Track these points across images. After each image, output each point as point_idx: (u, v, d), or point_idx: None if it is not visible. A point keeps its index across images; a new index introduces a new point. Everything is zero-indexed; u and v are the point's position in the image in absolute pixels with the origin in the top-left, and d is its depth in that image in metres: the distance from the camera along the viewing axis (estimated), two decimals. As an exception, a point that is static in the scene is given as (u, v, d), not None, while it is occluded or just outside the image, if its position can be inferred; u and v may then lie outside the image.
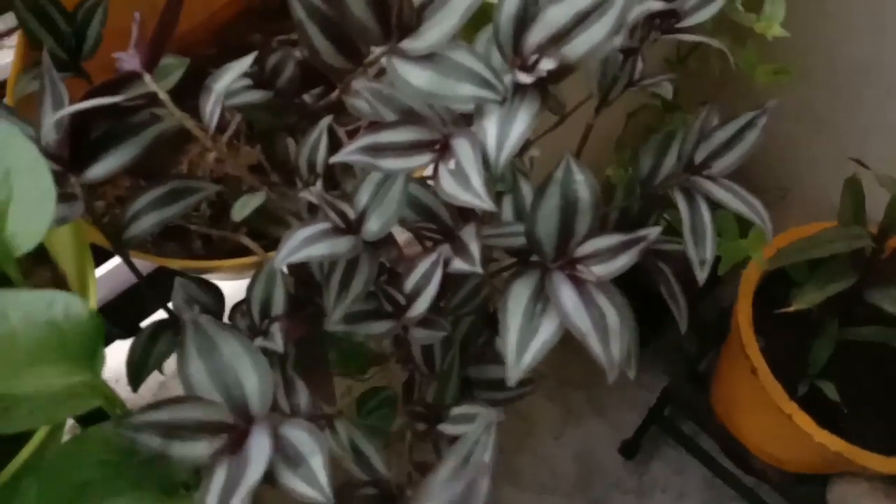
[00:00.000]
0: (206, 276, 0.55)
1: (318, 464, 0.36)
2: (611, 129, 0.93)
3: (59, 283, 0.46)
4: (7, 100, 0.47)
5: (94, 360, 0.32)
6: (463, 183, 0.35)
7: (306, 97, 0.46)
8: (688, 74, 0.74)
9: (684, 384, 1.07)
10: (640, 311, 0.50)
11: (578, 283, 0.40)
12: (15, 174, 0.32)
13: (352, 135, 0.48)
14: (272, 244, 0.48)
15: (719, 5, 0.49)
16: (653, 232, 0.39)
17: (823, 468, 1.01)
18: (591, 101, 0.52)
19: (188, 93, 0.42)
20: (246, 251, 0.48)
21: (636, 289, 0.49)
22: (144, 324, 0.46)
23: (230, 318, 0.46)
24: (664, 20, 0.49)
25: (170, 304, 0.46)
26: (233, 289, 0.53)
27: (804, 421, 0.86)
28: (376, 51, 0.36)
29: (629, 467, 1.24)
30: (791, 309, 0.81)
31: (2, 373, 0.29)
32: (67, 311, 0.31)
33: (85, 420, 0.42)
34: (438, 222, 0.43)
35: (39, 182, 0.32)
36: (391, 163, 0.36)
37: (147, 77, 0.37)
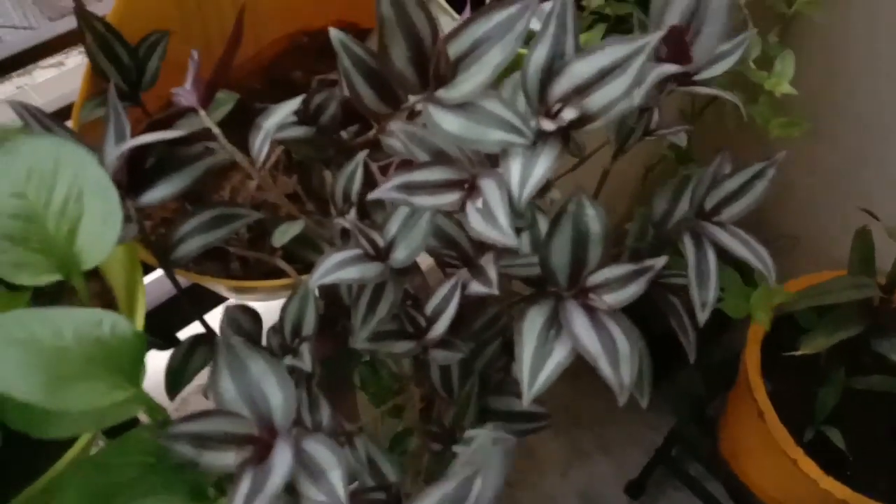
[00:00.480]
0: (242, 296, 0.59)
1: (336, 478, 0.38)
2: (628, 182, 0.96)
3: (106, 295, 0.49)
4: (72, 124, 0.51)
5: (137, 374, 0.35)
6: (491, 221, 0.38)
7: (343, 133, 0.50)
8: (703, 128, 0.77)
9: (691, 426, 1.08)
10: (649, 354, 0.52)
11: (590, 311, 0.43)
12: (87, 195, 0.35)
13: (384, 170, 0.51)
14: (306, 268, 0.51)
15: (733, 61, 0.53)
16: (659, 261, 0.41)
17: (829, 515, 1.01)
18: (609, 147, 0.55)
19: (234, 123, 0.46)
20: (281, 273, 0.51)
21: (646, 333, 0.52)
22: (181, 335, 0.49)
23: (266, 337, 0.49)
24: (680, 75, 0.53)
25: (206, 317, 0.49)
26: (268, 310, 0.57)
27: (809, 467, 0.87)
28: (413, 98, 0.40)
29: (634, 507, 1.24)
30: (798, 353, 0.82)
31: (57, 386, 0.32)
32: (114, 329, 0.34)
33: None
34: (459, 250, 0.46)
35: (108, 203, 0.35)
36: (423, 200, 0.39)
37: (202, 113, 0.40)
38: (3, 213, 0.35)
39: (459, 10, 0.59)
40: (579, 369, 0.47)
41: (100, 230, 0.35)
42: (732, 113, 0.59)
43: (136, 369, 0.35)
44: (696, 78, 0.54)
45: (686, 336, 0.52)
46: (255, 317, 0.52)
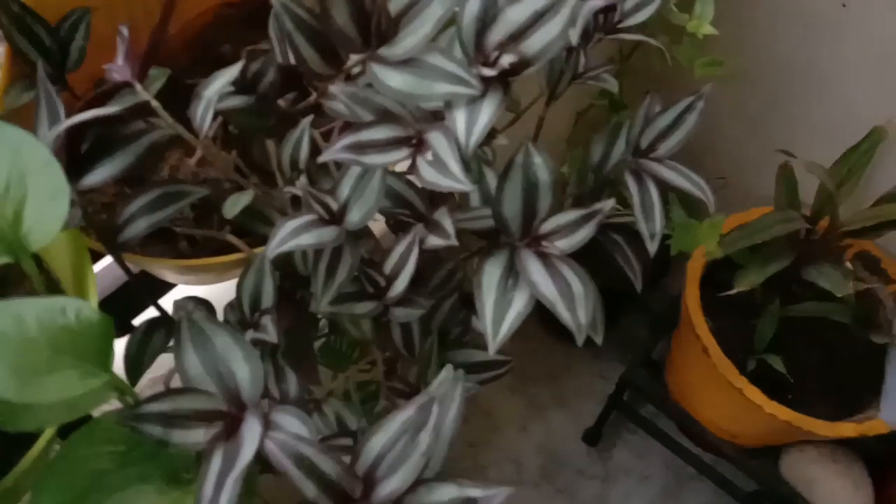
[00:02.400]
0: (191, 279, 0.58)
1: (306, 442, 0.39)
2: (562, 128, 0.98)
3: (53, 287, 0.48)
4: (-1, 109, 0.48)
5: (107, 360, 0.35)
6: (442, 171, 0.38)
7: (281, 102, 0.49)
8: (632, 73, 0.79)
9: (640, 370, 1.12)
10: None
11: (544, 258, 0.44)
12: (30, 175, 0.34)
13: (326, 136, 0.51)
14: (257, 241, 0.51)
15: (655, 6, 0.54)
16: (607, 205, 0.43)
17: (774, 439, 1.07)
18: (542, 99, 0.56)
19: (165, 101, 0.45)
20: (231, 249, 0.50)
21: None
22: (136, 321, 0.49)
23: (224, 314, 0.49)
24: (606, 21, 0.54)
25: (160, 302, 0.48)
26: (218, 298, 0.56)
27: (754, 394, 0.92)
28: (356, 57, 0.40)
29: (593, 454, 1.29)
30: (734, 291, 0.86)
31: (26, 379, 0.31)
32: (79, 316, 0.34)
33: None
34: (412, 209, 0.46)
35: (54, 181, 0.34)
36: (373, 158, 0.40)
37: (139, 87, 0.39)
38: (-59, 201, 0.33)
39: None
40: (528, 327, 0.49)
41: (47, 208, 0.34)
42: (658, 56, 0.61)
43: (105, 355, 0.34)
44: (622, 25, 0.56)
45: (632, 269, 0.54)
46: (207, 306, 0.51)
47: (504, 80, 0.41)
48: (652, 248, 0.49)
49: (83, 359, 0.33)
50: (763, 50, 0.96)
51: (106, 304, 0.68)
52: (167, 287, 0.71)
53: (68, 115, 0.40)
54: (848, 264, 0.92)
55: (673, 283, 1.24)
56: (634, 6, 0.55)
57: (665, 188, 0.50)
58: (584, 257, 0.48)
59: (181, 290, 0.71)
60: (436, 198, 0.47)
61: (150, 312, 0.51)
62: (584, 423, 1.29)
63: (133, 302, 0.64)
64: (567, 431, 1.31)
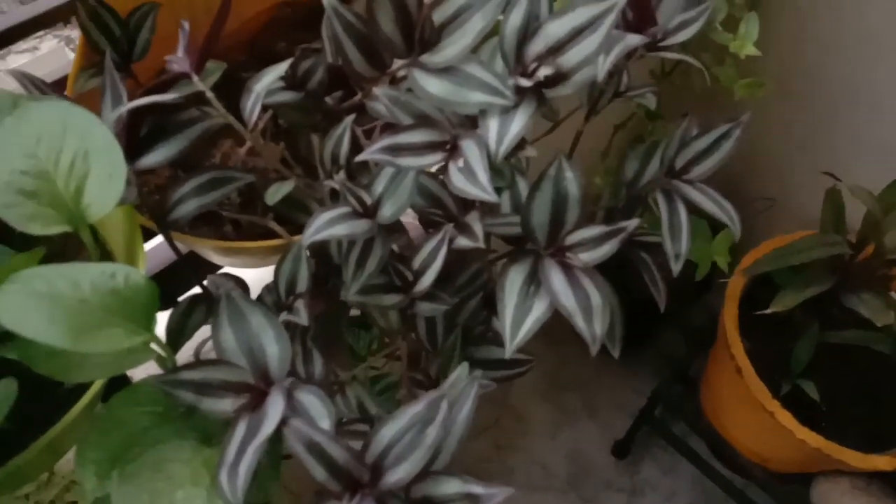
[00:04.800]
0: (233, 261, 0.61)
1: (325, 426, 0.41)
2: (599, 140, 0.98)
3: (107, 257, 0.52)
4: (67, 92, 0.52)
5: (150, 322, 0.38)
6: (471, 179, 0.40)
7: (328, 99, 0.52)
8: (672, 88, 0.79)
9: (674, 386, 1.12)
10: (632, 320, 0.55)
11: (567, 268, 0.46)
12: (93, 154, 0.37)
13: (368, 133, 0.54)
14: (296, 229, 0.53)
15: (699, 27, 0.55)
16: (632, 223, 0.44)
17: (805, 466, 1.06)
18: (582, 111, 0.57)
19: (220, 94, 0.48)
20: (272, 235, 0.53)
21: (628, 298, 0.54)
22: (180, 298, 0.52)
23: (259, 297, 0.52)
24: (648, 41, 0.55)
25: (204, 281, 0.52)
26: (255, 280, 0.59)
27: (786, 418, 0.91)
28: (399, 62, 0.42)
29: (621, 467, 1.28)
30: (770, 311, 0.86)
31: (80, 334, 0.35)
32: (128, 280, 0.37)
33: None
34: (444, 208, 0.48)
35: (114, 162, 0.38)
36: (407, 161, 0.42)
37: (196, 78, 0.42)
38: (16, 171, 0.37)
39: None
40: (564, 335, 0.50)
41: (105, 185, 0.38)
42: (699, 75, 0.61)
43: (149, 316, 0.37)
44: (664, 43, 0.56)
45: (657, 288, 0.55)
46: (241, 284, 0.54)
47: (539, 92, 0.43)
48: (676, 268, 0.50)
49: (129, 318, 0.36)
50: (813, 70, 0.94)
51: (155, 280, 0.72)
52: (212, 268, 0.75)
53: (131, 101, 0.44)
54: (893, 294, 0.90)
55: (716, 299, 1.23)
56: (678, 25, 0.56)
57: (694, 211, 0.51)
58: (622, 271, 0.49)
59: (222, 271, 0.75)
60: (467, 201, 0.49)
61: (195, 291, 0.55)
62: (614, 434, 1.29)
63: (179, 280, 0.68)
64: (596, 442, 1.31)
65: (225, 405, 0.41)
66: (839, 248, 0.85)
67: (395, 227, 0.48)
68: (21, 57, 1.74)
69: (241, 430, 0.40)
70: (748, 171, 1.09)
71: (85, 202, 0.38)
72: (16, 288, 0.33)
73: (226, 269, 0.70)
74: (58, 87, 0.55)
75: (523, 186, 0.53)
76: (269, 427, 0.39)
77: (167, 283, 0.74)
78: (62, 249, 0.45)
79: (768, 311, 0.85)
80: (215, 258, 0.62)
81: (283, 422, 0.40)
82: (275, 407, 0.41)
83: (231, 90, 0.54)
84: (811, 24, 0.90)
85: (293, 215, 0.51)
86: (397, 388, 0.61)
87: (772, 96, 0.75)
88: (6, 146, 0.37)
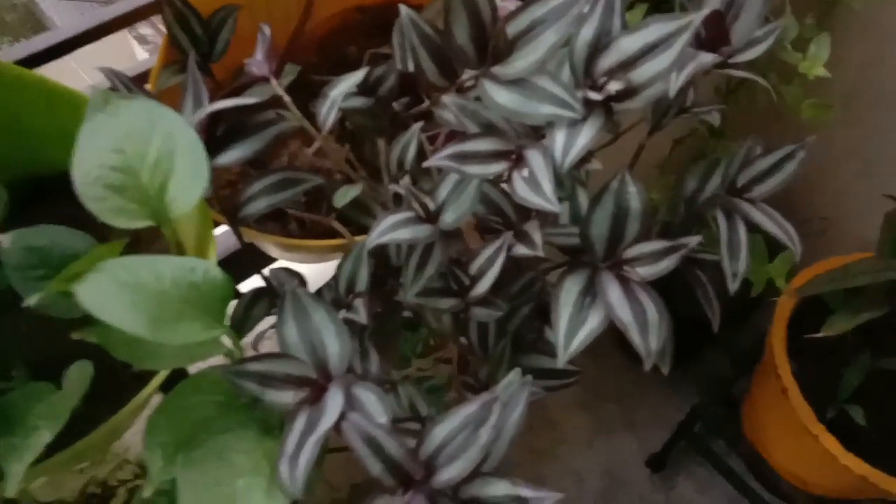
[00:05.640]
0: (292, 256, 0.63)
1: (382, 421, 0.42)
2: (656, 154, 0.98)
3: (179, 249, 0.54)
4: (150, 87, 0.55)
5: (224, 316, 0.40)
6: (535, 189, 0.41)
7: (395, 105, 0.53)
8: (736, 105, 0.79)
9: (716, 403, 1.11)
10: (676, 337, 0.55)
11: (624, 282, 0.46)
12: (178, 153, 0.39)
13: (432, 140, 0.55)
14: (358, 229, 0.55)
15: (768, 45, 0.55)
16: (693, 240, 0.44)
17: (848, 493, 1.04)
18: (643, 123, 0.58)
19: (290, 93, 0.50)
20: (334, 235, 0.55)
21: (674, 314, 0.54)
22: (241, 287, 0.54)
23: (318, 293, 0.53)
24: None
25: (265, 272, 0.53)
26: (313, 275, 0.61)
27: (830, 443, 0.90)
28: (470, 73, 0.43)
29: (655, 481, 1.27)
30: (821, 335, 0.84)
31: (159, 324, 0.36)
32: (206, 275, 0.39)
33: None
34: (503, 216, 0.49)
35: (197, 161, 0.39)
36: (473, 169, 0.43)
37: (274, 82, 0.44)
38: (105, 166, 0.39)
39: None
40: (606, 347, 0.50)
41: (189, 184, 0.39)
42: (765, 93, 0.61)
43: (224, 311, 0.39)
44: (732, 60, 0.56)
45: (710, 307, 0.55)
46: (299, 278, 0.56)
47: (607, 106, 0.43)
48: (733, 287, 0.50)
49: (206, 312, 0.38)
50: (881, 94, 0.93)
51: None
52: (269, 260, 0.77)
53: (209, 100, 0.45)
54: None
55: (763, 319, 1.22)
56: (747, 43, 0.56)
57: (754, 230, 0.51)
58: (670, 286, 0.49)
59: (281, 265, 0.77)
60: (526, 209, 0.49)
61: (254, 281, 0.56)
62: (651, 448, 1.28)
63: (240, 270, 0.70)
64: (632, 455, 1.30)
65: (287, 397, 0.42)
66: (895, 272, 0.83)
67: (454, 233, 0.49)
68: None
69: (300, 422, 0.41)
70: (806, 190, 1.07)
71: (168, 198, 0.40)
72: (102, 276, 0.35)
73: (282, 263, 0.72)
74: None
75: (583, 197, 0.53)
76: (329, 420, 0.40)
77: (228, 271, 0.77)
78: (135, 239, 0.47)
79: (820, 334, 0.84)
80: (275, 252, 0.64)
81: (342, 416, 0.41)
82: (334, 401, 0.42)
83: (301, 90, 0.55)
84: (881, 48, 0.89)
85: (356, 216, 0.53)
86: (444, 391, 0.62)
87: (836, 117, 0.74)
88: (98, 141, 0.39)
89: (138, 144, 0.39)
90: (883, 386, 0.93)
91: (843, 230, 1.04)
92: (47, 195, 0.59)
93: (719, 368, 1.30)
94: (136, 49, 1.92)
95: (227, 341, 0.41)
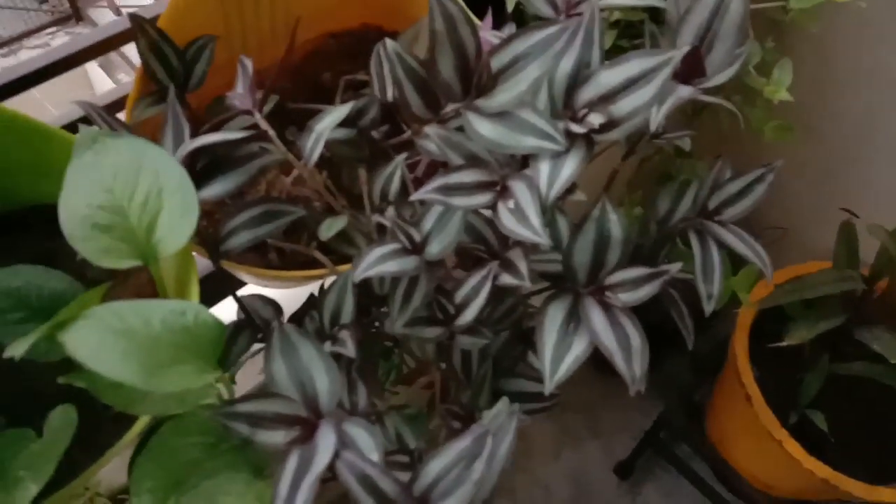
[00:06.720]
0: (268, 283, 0.62)
1: (375, 458, 0.42)
2: (624, 171, 1.00)
3: (163, 288, 0.53)
4: (126, 119, 0.53)
5: (217, 358, 0.39)
6: (522, 221, 0.41)
7: (374, 133, 0.53)
8: (700, 125, 0.81)
9: (680, 410, 1.13)
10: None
11: (607, 308, 0.47)
12: (166, 192, 0.38)
13: (411, 167, 0.55)
14: (340, 258, 0.55)
15: (734, 70, 0.57)
16: (674, 267, 0.46)
17: (811, 495, 1.07)
18: (616, 146, 0.59)
19: (268, 122, 0.49)
20: (315, 264, 0.54)
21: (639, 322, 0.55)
22: (216, 311, 0.52)
23: (299, 324, 0.53)
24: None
25: (240, 295, 0.52)
26: (285, 300, 0.60)
27: (793, 448, 0.93)
28: (453, 105, 0.43)
29: (623, 488, 1.29)
30: (783, 344, 0.87)
31: (152, 371, 0.35)
32: (197, 318, 0.38)
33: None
34: (487, 245, 0.49)
35: (186, 200, 0.39)
36: (459, 201, 0.43)
37: (258, 116, 0.44)
38: (93, 205, 0.38)
39: (481, 16, 0.62)
40: None
41: (178, 223, 0.39)
42: (728, 115, 0.63)
43: (216, 354, 0.38)
44: (701, 87, 0.58)
45: (685, 326, 0.56)
46: (275, 306, 0.55)
47: (589, 138, 0.44)
48: (708, 308, 0.51)
49: (198, 356, 0.37)
50: (835, 108, 0.96)
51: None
52: (243, 282, 0.76)
53: (190, 133, 0.45)
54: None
55: (721, 326, 1.25)
56: (714, 69, 0.57)
57: (727, 252, 0.53)
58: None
59: (255, 290, 0.76)
60: (510, 237, 0.50)
61: (228, 304, 0.55)
62: (617, 456, 1.30)
63: (213, 293, 0.69)
64: (599, 462, 1.32)
65: (277, 437, 0.42)
66: (853, 283, 0.87)
67: (438, 262, 0.49)
68: (33, 52, 1.76)
69: (293, 463, 0.41)
70: (763, 201, 1.10)
71: (156, 238, 0.39)
72: (90, 324, 0.34)
73: (255, 288, 0.71)
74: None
75: (563, 223, 0.54)
76: (322, 460, 0.40)
77: (201, 296, 0.75)
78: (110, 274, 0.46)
79: (782, 344, 0.87)
80: (251, 280, 0.63)
81: (335, 454, 0.40)
82: (327, 439, 0.41)
83: (276, 116, 0.55)
84: (831, 66, 0.92)
85: (337, 245, 0.52)
86: (423, 417, 0.62)
87: (792, 138, 0.76)
88: (85, 180, 0.38)
89: (126, 183, 0.38)
90: (842, 391, 0.97)
91: (799, 240, 1.08)
92: (11, 230, 0.57)
93: (682, 375, 1.33)
94: (89, 68, 1.88)
95: (222, 387, 0.41)
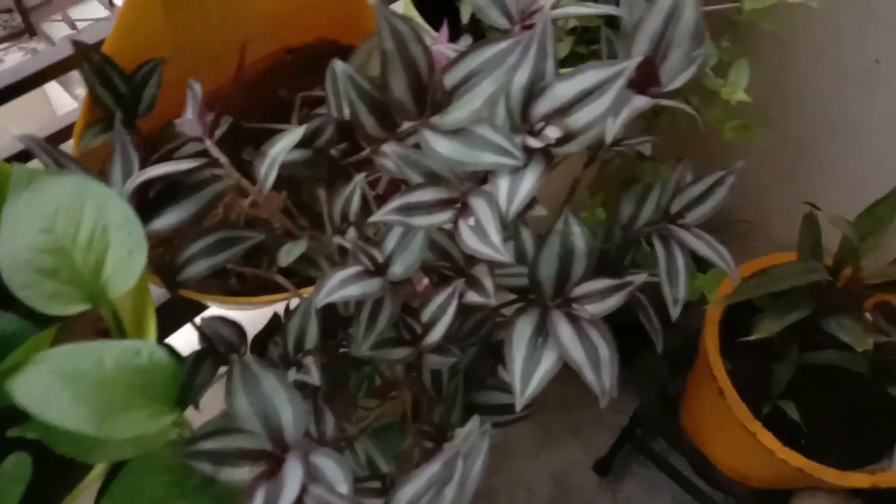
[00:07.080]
0: (230, 307, 0.61)
1: (343, 490, 0.41)
2: (585, 174, 1.00)
3: (119, 328, 0.51)
4: (73, 151, 0.52)
5: (174, 398, 0.38)
6: (483, 238, 0.41)
7: (332, 152, 0.52)
8: (660, 128, 0.81)
9: (655, 406, 1.14)
10: (615, 341, 0.56)
11: (574, 320, 0.47)
12: (112, 228, 0.37)
13: (373, 185, 0.54)
14: (302, 281, 0.53)
15: (692, 73, 0.57)
16: (640, 278, 0.45)
17: (786, 483, 1.08)
18: (577, 155, 0.58)
19: (221, 142, 0.48)
20: (277, 287, 0.53)
21: (610, 320, 0.55)
22: (174, 337, 0.51)
23: (263, 350, 0.52)
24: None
25: (199, 321, 0.51)
26: (248, 321, 0.59)
27: (767, 439, 0.93)
28: (409, 124, 0.42)
29: (603, 485, 1.30)
30: (752, 337, 0.88)
31: (104, 416, 0.34)
32: (151, 357, 0.37)
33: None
34: (452, 261, 0.49)
35: (134, 237, 0.37)
36: (420, 220, 0.42)
37: (209, 143, 0.42)
38: (33, 248, 0.36)
39: (437, 28, 0.61)
40: None
41: (126, 261, 0.37)
42: (687, 117, 0.63)
43: (173, 394, 0.37)
44: (658, 94, 0.58)
45: (654, 329, 0.56)
46: (236, 328, 0.54)
47: (547, 152, 0.44)
48: (675, 312, 0.51)
49: (154, 398, 0.36)
50: (794, 102, 0.97)
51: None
52: (204, 306, 0.75)
53: (140, 162, 0.43)
54: (868, 315, 0.93)
55: (690, 319, 1.25)
56: (671, 75, 0.57)
57: (691, 255, 0.53)
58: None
59: (216, 312, 0.75)
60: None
61: (188, 330, 0.54)
62: (596, 453, 1.30)
63: (172, 320, 0.67)
64: (579, 461, 1.32)
65: (242, 474, 0.41)
66: (819, 274, 0.88)
67: (403, 281, 0.48)
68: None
69: (259, 500, 0.40)
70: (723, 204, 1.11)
71: (104, 278, 0.38)
72: (40, 370, 0.33)
73: (217, 310, 0.70)
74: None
75: (526, 236, 0.53)
76: (289, 496, 0.39)
77: (159, 323, 0.73)
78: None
79: (751, 337, 0.87)
80: (213, 304, 0.61)
81: (303, 489, 0.40)
82: (293, 474, 0.40)
83: (231, 136, 0.53)
84: (790, 60, 0.93)
85: (299, 268, 0.51)
86: (395, 432, 0.61)
87: (752, 137, 0.77)
88: (23, 222, 0.36)
89: (69, 222, 0.37)
90: (812, 379, 0.98)
91: (764, 232, 1.09)
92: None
93: (655, 370, 1.33)
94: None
95: (180, 429, 0.39)
